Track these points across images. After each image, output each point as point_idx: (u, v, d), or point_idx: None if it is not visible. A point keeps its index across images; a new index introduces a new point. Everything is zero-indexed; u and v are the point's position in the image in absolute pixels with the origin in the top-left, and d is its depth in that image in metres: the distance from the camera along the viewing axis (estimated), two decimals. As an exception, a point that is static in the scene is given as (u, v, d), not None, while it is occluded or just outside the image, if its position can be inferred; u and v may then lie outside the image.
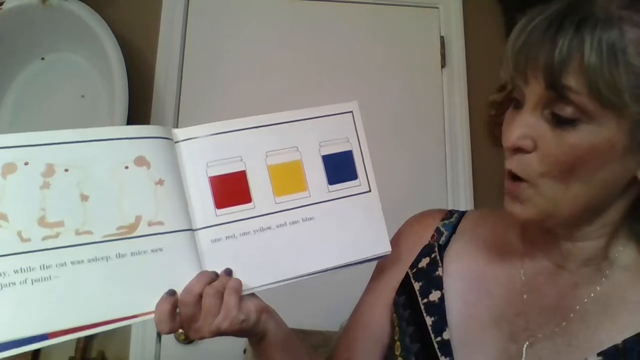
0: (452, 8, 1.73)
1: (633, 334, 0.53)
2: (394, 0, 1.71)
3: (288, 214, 0.62)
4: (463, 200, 1.63)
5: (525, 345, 0.58)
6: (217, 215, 0.60)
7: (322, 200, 0.64)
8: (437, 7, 1.74)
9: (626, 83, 0.46)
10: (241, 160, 0.62)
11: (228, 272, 0.58)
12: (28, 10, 1.42)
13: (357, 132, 0.66)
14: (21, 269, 0.52)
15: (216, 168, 0.61)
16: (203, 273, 0.57)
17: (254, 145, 0.62)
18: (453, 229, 0.71)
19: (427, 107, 1.69)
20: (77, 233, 0.54)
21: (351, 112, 0.67)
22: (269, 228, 0.61)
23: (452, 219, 0.72)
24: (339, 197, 0.64)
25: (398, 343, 0.66)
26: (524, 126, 0.52)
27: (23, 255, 0.52)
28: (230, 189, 0.61)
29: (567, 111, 0.49)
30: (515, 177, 0.54)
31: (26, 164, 0.53)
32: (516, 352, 0.58)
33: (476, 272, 0.66)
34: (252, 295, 0.60)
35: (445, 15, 1.73)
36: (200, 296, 0.55)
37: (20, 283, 0.51)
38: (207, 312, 0.55)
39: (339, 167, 0.65)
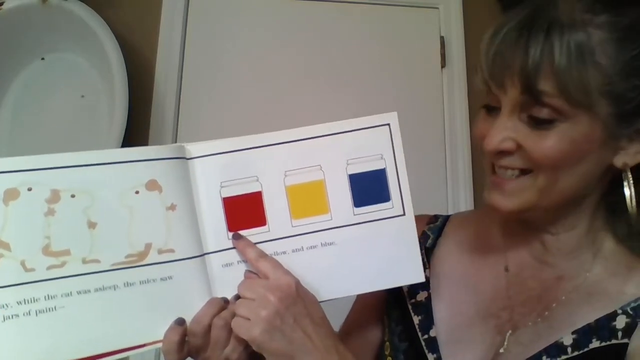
0: (452, 8, 1.73)
1: (605, 314, 0.55)
2: (394, 1, 1.71)
3: (306, 238, 0.58)
4: (463, 200, 1.63)
5: (508, 334, 0.59)
6: (229, 239, 0.57)
7: (345, 224, 0.59)
8: (437, 7, 1.74)
9: (594, 82, 0.49)
10: (257, 180, 0.58)
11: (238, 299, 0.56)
12: (28, 10, 1.42)
13: (393, 147, 0.59)
14: (24, 300, 0.50)
15: (230, 189, 0.57)
16: (212, 301, 0.55)
17: (272, 164, 0.58)
18: (439, 232, 0.72)
19: (427, 107, 1.69)
20: (84, 262, 0.52)
21: (388, 124, 0.59)
22: (284, 252, 0.58)
23: (438, 223, 0.73)
24: (366, 220, 0.59)
25: (387, 343, 0.67)
26: (504, 130, 0.54)
27: (26, 285, 0.50)
28: (245, 211, 0.57)
29: (544, 112, 0.51)
30: (505, 169, 0.56)
31: (29, 189, 0.51)
32: (500, 342, 0.59)
33: (462, 272, 0.67)
34: None
35: (445, 15, 1.73)
36: (210, 326, 0.54)
37: (23, 315, 0.50)
38: (216, 343, 0.54)
39: (369, 188, 0.59)
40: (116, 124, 1.36)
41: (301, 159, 0.58)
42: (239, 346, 0.54)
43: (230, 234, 0.57)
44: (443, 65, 1.71)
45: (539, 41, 0.50)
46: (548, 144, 0.52)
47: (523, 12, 0.53)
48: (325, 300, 0.59)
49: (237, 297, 0.56)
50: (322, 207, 0.59)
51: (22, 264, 0.50)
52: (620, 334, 0.54)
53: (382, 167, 0.59)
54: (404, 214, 0.59)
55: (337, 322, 0.74)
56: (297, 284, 0.55)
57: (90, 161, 0.53)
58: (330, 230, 0.59)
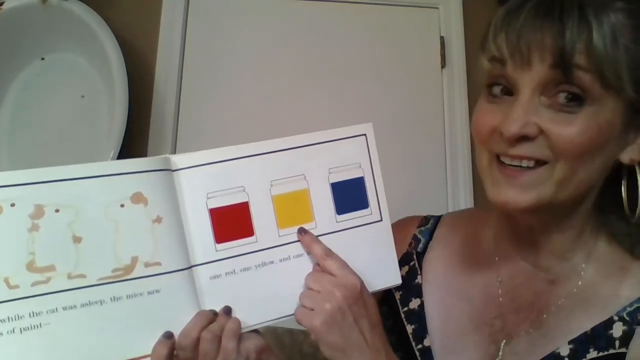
0: (452, 8, 1.72)
1: (601, 321, 0.54)
2: (394, 0, 1.71)
3: (292, 247, 0.59)
4: (463, 200, 1.63)
5: (502, 344, 0.59)
6: (216, 251, 0.57)
7: (329, 231, 0.60)
8: (437, 7, 1.74)
9: (625, 65, 0.48)
10: (244, 190, 0.58)
11: (227, 311, 0.56)
12: (28, 10, 1.42)
13: (370, 156, 0.62)
14: (8, 317, 0.49)
15: (217, 199, 0.57)
16: (200, 314, 0.55)
17: (258, 174, 0.58)
18: (430, 236, 0.71)
19: (427, 107, 1.69)
20: (70, 277, 0.51)
21: (364, 135, 0.62)
22: (272, 262, 0.58)
23: (429, 225, 0.72)
24: (347, 227, 0.60)
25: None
26: (525, 114, 0.50)
27: (10, 303, 0.49)
28: (232, 222, 0.57)
29: (574, 90, 0.49)
30: (514, 167, 0.53)
31: (12, 205, 0.50)
32: (495, 351, 0.59)
33: (454, 278, 0.66)
34: (253, 332, 0.58)
35: (445, 15, 1.73)
36: (198, 340, 0.53)
37: (7, 333, 0.49)
38: (205, 357, 0.53)
39: (349, 196, 0.60)
40: (116, 124, 1.36)
41: (286, 169, 0.59)
42: (228, 359, 0.54)
43: (221, 244, 0.56)
44: (443, 65, 1.70)
45: (574, 18, 0.48)
46: (575, 129, 0.49)
47: None
48: None
49: (227, 309, 0.56)
50: (307, 216, 0.60)
51: (6, 281, 0.49)
52: (617, 343, 0.53)
53: (360, 175, 0.61)
54: (381, 220, 0.61)
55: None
56: (362, 285, 0.55)
57: (74, 175, 0.52)
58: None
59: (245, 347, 0.55)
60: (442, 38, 1.72)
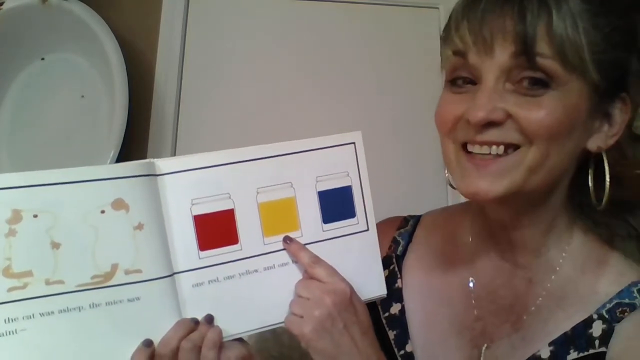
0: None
1: (580, 320, 0.54)
2: (394, 0, 1.71)
3: (277, 255, 0.58)
4: (463, 200, 1.63)
5: (484, 348, 0.59)
6: (200, 258, 0.56)
7: (315, 240, 0.59)
8: (437, 7, 1.73)
9: (586, 49, 0.49)
10: (229, 197, 0.57)
11: (209, 320, 0.55)
12: (28, 10, 1.41)
13: (358, 165, 0.61)
14: None
15: (202, 206, 0.56)
16: (180, 323, 0.54)
17: (245, 180, 0.57)
18: (409, 238, 0.71)
19: (427, 107, 1.68)
20: (47, 283, 0.50)
21: (353, 143, 0.61)
22: (256, 271, 0.57)
23: (408, 227, 0.72)
24: (333, 237, 0.60)
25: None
26: (492, 98, 0.51)
27: None
28: (216, 230, 0.56)
29: (536, 76, 0.50)
30: (481, 155, 0.53)
31: None
32: (477, 356, 0.59)
33: (434, 281, 0.66)
34: (236, 341, 0.57)
35: (445, 15, 1.71)
36: (178, 349, 0.53)
37: None
38: None
39: (336, 205, 0.60)
40: (116, 124, 1.36)
41: (273, 176, 0.58)
42: None
43: (204, 252, 0.56)
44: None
45: (533, 5, 0.49)
46: (542, 111, 0.50)
47: None
48: None
49: (209, 318, 0.55)
50: (293, 224, 0.59)
51: None
52: (597, 342, 0.52)
53: (348, 184, 0.61)
54: (367, 229, 0.61)
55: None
56: (352, 291, 0.55)
57: (54, 180, 0.51)
58: None
59: (227, 356, 0.55)
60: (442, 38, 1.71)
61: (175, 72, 1.58)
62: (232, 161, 0.57)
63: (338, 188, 0.60)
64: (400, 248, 0.69)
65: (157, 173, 0.55)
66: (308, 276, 0.57)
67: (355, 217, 0.61)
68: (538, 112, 0.50)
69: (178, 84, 1.59)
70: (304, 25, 1.67)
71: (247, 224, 0.57)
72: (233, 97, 1.60)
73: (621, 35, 0.51)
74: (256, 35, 1.64)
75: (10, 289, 0.49)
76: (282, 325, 0.57)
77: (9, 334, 0.49)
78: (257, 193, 0.58)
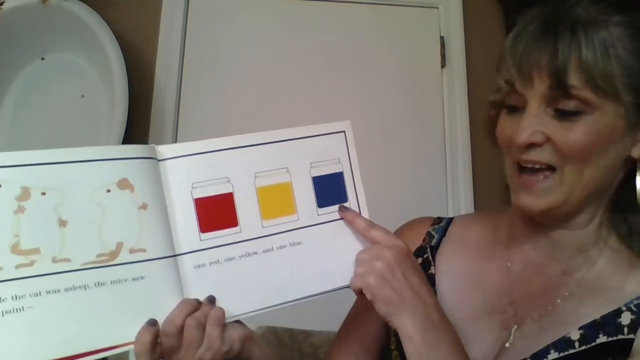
0: (452, 8, 1.73)
1: (610, 310, 0.58)
2: (394, 0, 1.71)
3: (275, 238, 0.59)
4: (463, 200, 1.63)
5: (513, 329, 0.62)
6: (201, 240, 0.57)
7: (310, 224, 0.61)
8: (437, 7, 1.74)
9: (618, 73, 0.54)
10: (228, 181, 0.58)
11: (211, 300, 0.56)
12: (28, 10, 1.42)
13: (348, 152, 0.63)
14: None
15: (202, 189, 0.57)
16: (185, 302, 0.55)
17: (243, 165, 0.59)
18: (443, 232, 0.73)
19: (427, 107, 1.69)
20: (54, 261, 0.51)
21: (343, 132, 0.63)
22: (255, 253, 0.59)
23: (442, 224, 0.75)
24: (327, 220, 0.62)
25: (393, 338, 0.67)
26: (533, 123, 0.57)
27: None
28: (216, 212, 0.58)
29: (571, 105, 0.55)
30: (532, 170, 0.58)
31: None
32: (507, 336, 0.62)
33: (467, 269, 0.69)
34: (236, 322, 0.58)
35: (445, 15, 1.73)
36: (182, 327, 0.54)
37: None
38: (189, 345, 0.54)
39: (329, 190, 0.62)
40: (116, 124, 1.36)
41: (270, 162, 0.60)
42: (212, 346, 0.54)
43: (205, 234, 0.57)
44: (443, 65, 1.71)
45: (565, 38, 0.54)
46: (575, 135, 0.55)
47: (544, 12, 0.58)
48: (295, 301, 0.59)
49: (211, 298, 0.56)
50: (290, 208, 0.60)
51: None
52: (626, 329, 0.56)
53: (340, 170, 0.63)
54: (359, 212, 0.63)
55: (337, 320, 0.74)
56: (408, 248, 0.59)
57: (62, 159, 0.52)
58: (298, 230, 0.60)
59: (230, 335, 0.56)
60: (442, 38, 1.72)
61: (175, 71, 1.59)
62: (230, 147, 0.59)
63: (331, 174, 0.62)
64: (434, 240, 0.72)
65: (159, 158, 0.56)
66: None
67: (348, 202, 0.63)
68: (571, 136, 0.55)
69: (178, 84, 1.59)
70: (303, 25, 1.67)
71: (246, 208, 0.59)
72: (233, 96, 1.61)
73: None
74: (256, 35, 1.65)
75: (18, 266, 0.50)
76: (282, 306, 0.59)
77: (16, 310, 0.49)
78: (255, 177, 0.59)
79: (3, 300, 0.49)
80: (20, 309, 0.49)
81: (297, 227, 0.60)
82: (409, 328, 0.55)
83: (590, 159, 0.56)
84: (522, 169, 0.60)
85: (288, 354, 0.98)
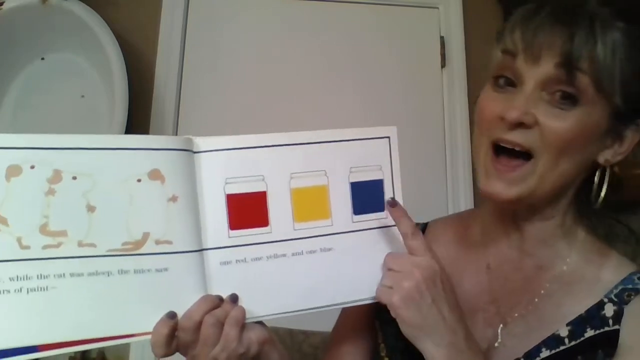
0: (452, 8, 1.73)
1: (593, 303, 0.59)
2: (394, 0, 1.71)
3: (306, 242, 0.58)
4: (463, 200, 1.63)
5: (500, 327, 0.62)
6: (229, 237, 0.56)
7: (344, 230, 0.59)
8: (437, 7, 1.74)
9: (619, 77, 0.55)
10: (263, 180, 0.57)
11: (233, 299, 0.55)
12: (28, 10, 1.42)
13: (391, 160, 0.60)
14: (17, 276, 0.49)
15: (235, 185, 0.56)
16: (206, 298, 0.54)
17: (280, 164, 0.57)
18: None
19: (427, 107, 1.69)
20: (80, 245, 0.51)
21: (388, 137, 0.61)
22: (284, 255, 0.57)
23: (418, 227, 0.73)
24: (362, 229, 0.59)
25: (382, 345, 0.67)
26: (527, 103, 0.56)
27: (21, 262, 0.50)
28: (248, 210, 0.56)
29: (572, 90, 0.55)
30: (510, 152, 0.57)
31: (32, 167, 0.50)
32: (492, 335, 0.62)
33: (446, 270, 0.67)
34: (257, 323, 0.57)
35: (445, 15, 1.73)
36: (200, 323, 0.53)
37: (15, 291, 0.49)
38: (205, 342, 0.53)
39: (367, 197, 0.59)
40: (116, 124, 1.36)
41: (307, 163, 0.58)
42: (228, 347, 0.53)
43: (234, 231, 0.56)
44: (443, 65, 1.71)
45: (583, 29, 0.55)
46: (565, 124, 0.55)
47: (559, 0, 0.59)
48: (318, 308, 0.58)
49: (234, 297, 0.55)
50: (324, 212, 0.59)
51: (19, 240, 0.50)
52: (610, 321, 0.57)
53: (380, 177, 0.60)
54: (395, 225, 0.60)
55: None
56: (441, 269, 0.57)
57: (95, 145, 0.52)
58: (330, 235, 0.59)
59: (248, 336, 0.55)
60: (442, 38, 1.72)
61: (175, 71, 1.59)
62: (268, 144, 0.57)
63: (370, 181, 0.60)
64: None
65: (195, 150, 0.56)
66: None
67: (384, 212, 0.60)
68: (561, 124, 0.55)
69: (178, 84, 1.59)
70: (303, 25, 1.67)
71: (278, 208, 0.57)
72: (233, 96, 1.61)
73: None
74: (256, 35, 1.65)
75: (45, 247, 0.50)
76: (305, 312, 0.57)
77: (41, 290, 0.50)
78: (291, 178, 0.58)
79: (29, 278, 0.50)
80: (44, 288, 0.50)
81: (329, 232, 0.59)
82: (434, 355, 0.54)
83: (569, 152, 0.56)
84: (497, 152, 0.58)
85: (288, 354, 0.98)
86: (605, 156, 0.59)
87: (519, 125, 0.56)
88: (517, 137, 0.57)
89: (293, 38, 1.66)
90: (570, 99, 0.55)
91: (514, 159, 0.58)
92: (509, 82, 0.59)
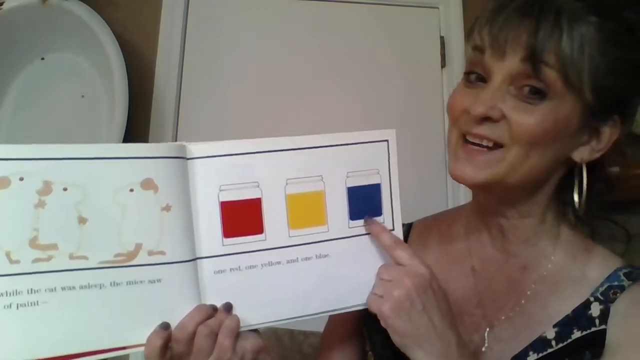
0: (452, 8, 1.73)
1: (579, 303, 0.59)
2: (394, 0, 1.71)
3: (301, 249, 0.57)
4: (463, 200, 1.63)
5: (486, 331, 0.62)
6: (223, 245, 0.55)
7: (340, 236, 0.58)
8: (437, 7, 1.74)
9: (587, 71, 0.54)
10: (258, 186, 0.56)
11: (227, 308, 0.55)
12: (28, 10, 1.42)
13: (389, 164, 0.60)
14: (6, 292, 0.48)
15: (229, 193, 0.55)
16: (199, 308, 0.54)
17: (275, 170, 0.56)
18: (404, 239, 0.70)
19: (427, 107, 1.69)
20: (71, 257, 0.50)
21: (387, 141, 0.59)
22: (279, 263, 0.56)
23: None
24: (358, 234, 0.59)
25: (370, 353, 0.67)
26: (494, 97, 0.56)
27: (10, 277, 0.48)
28: (242, 218, 0.55)
29: (539, 84, 0.54)
30: (478, 145, 0.57)
31: (21, 179, 0.49)
32: (479, 339, 0.62)
33: None
34: (252, 332, 0.57)
35: (445, 15, 1.73)
36: (194, 334, 0.52)
37: (4, 307, 0.48)
38: (199, 352, 0.52)
39: (364, 202, 0.58)
40: (116, 124, 1.36)
41: (303, 168, 0.57)
42: (222, 357, 0.53)
43: (228, 239, 0.55)
44: (443, 65, 1.71)
45: (548, 22, 0.54)
46: (532, 119, 0.55)
47: None
48: (313, 315, 0.58)
49: (228, 306, 0.55)
50: (320, 219, 0.58)
51: (8, 255, 0.48)
52: (597, 321, 0.57)
53: (377, 182, 0.59)
54: (393, 229, 0.59)
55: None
56: (432, 275, 0.56)
57: (86, 155, 0.51)
58: (326, 242, 0.58)
59: (242, 346, 0.54)
60: (442, 38, 1.72)
61: (175, 71, 1.59)
62: (263, 150, 0.56)
63: (367, 185, 0.59)
64: None
65: (188, 156, 0.54)
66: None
67: (382, 216, 0.59)
68: (528, 119, 0.55)
69: (178, 84, 1.59)
70: (303, 25, 1.67)
71: (273, 215, 0.56)
72: (233, 97, 1.61)
73: (625, 66, 0.56)
74: (256, 35, 1.65)
75: (35, 260, 0.49)
76: (300, 319, 0.57)
77: (31, 304, 0.49)
78: (286, 184, 0.57)
79: (19, 293, 0.49)
80: (35, 303, 0.49)
81: (325, 239, 0.58)
82: None
83: (538, 146, 0.55)
84: (467, 143, 0.58)
85: (288, 354, 0.98)
86: (581, 154, 0.58)
87: (486, 119, 0.56)
88: (484, 131, 0.56)
89: (293, 38, 1.66)
90: (538, 94, 0.55)
91: (484, 148, 0.57)
92: (480, 78, 0.58)
